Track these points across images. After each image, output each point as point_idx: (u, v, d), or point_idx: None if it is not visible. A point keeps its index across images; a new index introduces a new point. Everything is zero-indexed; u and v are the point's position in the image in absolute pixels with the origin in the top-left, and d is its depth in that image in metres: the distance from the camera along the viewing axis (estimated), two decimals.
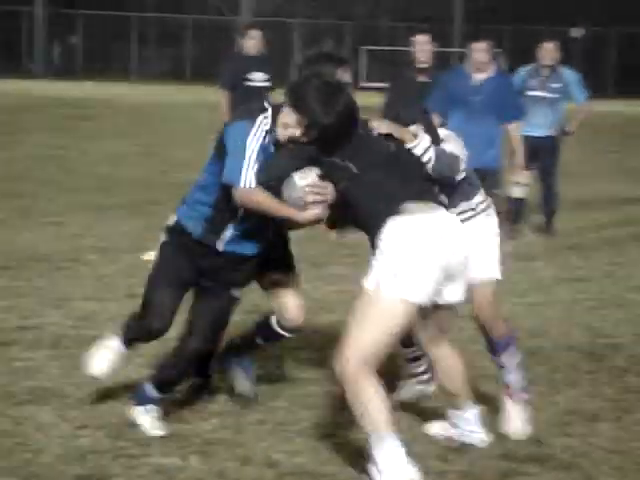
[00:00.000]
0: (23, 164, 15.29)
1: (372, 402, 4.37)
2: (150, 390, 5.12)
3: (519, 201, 11.22)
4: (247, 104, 5.51)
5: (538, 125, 11.02)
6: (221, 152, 4.93)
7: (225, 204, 4.97)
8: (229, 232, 5.08)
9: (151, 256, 9.22)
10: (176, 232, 5.17)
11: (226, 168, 4.86)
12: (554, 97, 11.12)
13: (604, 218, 12.74)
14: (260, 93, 11.60)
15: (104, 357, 5.29)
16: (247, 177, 4.82)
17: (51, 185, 13.51)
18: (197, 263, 5.12)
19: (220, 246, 5.08)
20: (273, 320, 5.46)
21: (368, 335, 4.39)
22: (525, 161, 11.04)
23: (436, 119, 9.07)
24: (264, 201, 4.81)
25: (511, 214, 11.31)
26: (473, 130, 9.00)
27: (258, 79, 11.76)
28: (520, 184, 11.11)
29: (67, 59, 42.91)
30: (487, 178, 9.19)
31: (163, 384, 5.14)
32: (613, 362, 6.59)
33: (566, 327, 7.41)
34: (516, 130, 9.42)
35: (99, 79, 37.01)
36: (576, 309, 8.00)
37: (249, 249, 5.13)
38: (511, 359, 5.32)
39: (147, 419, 5.07)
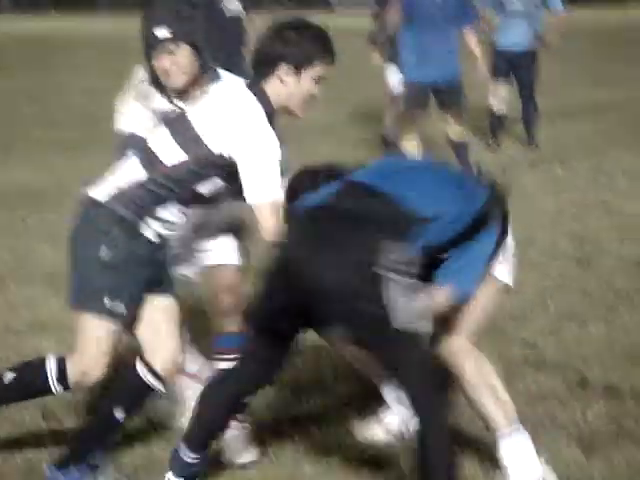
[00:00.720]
0: None
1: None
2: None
3: (499, 114, 11.26)
4: None
5: (516, 40, 11.00)
6: None
7: None
8: None
9: None
10: None
11: None
12: (531, 9, 11.08)
13: (585, 126, 12.81)
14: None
15: None
16: None
17: (27, 121, 13.49)
18: None
19: None
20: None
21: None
22: (503, 75, 11.08)
23: None
24: None
25: (492, 127, 11.36)
26: (433, 42, 9.06)
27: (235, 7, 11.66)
28: (499, 97, 11.14)
29: None
30: (450, 91, 9.31)
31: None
32: (600, 267, 6.71)
33: (552, 235, 7.51)
34: (473, 35, 9.42)
35: (67, 12, 36.61)
36: (561, 217, 8.11)
37: None
38: None
39: None
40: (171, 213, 3.90)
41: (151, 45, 4.22)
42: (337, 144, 11.36)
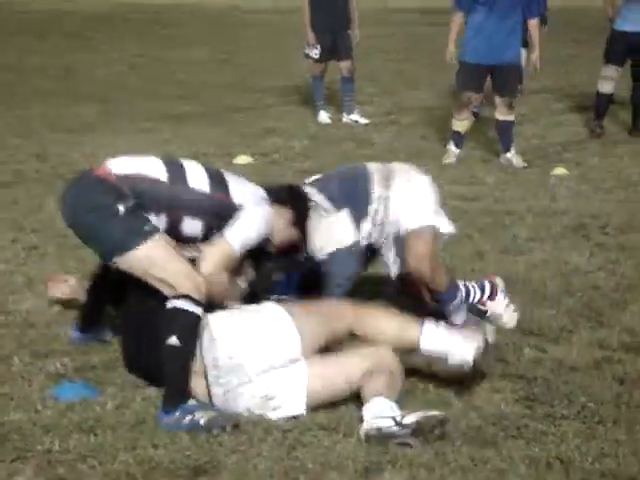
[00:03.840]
0: (107, 70, 15.58)
1: None
2: None
3: (606, 96, 11.13)
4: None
5: (637, 20, 10.82)
6: None
7: None
8: None
9: (243, 160, 9.60)
10: None
11: None
12: None
13: None
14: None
15: None
16: None
17: (135, 92, 13.78)
18: None
19: None
20: None
21: None
22: (620, 58, 10.92)
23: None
24: None
25: (597, 109, 11.23)
26: (497, 26, 9.15)
27: None
28: (608, 79, 11.02)
29: None
30: (507, 74, 9.40)
31: None
32: None
33: None
34: (536, 26, 9.51)
35: None
36: None
37: None
38: (464, 290, 5.38)
39: None
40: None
41: None
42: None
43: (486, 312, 5.43)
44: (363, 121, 11.85)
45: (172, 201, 4.51)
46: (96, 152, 9.82)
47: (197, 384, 4.42)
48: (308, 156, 9.90)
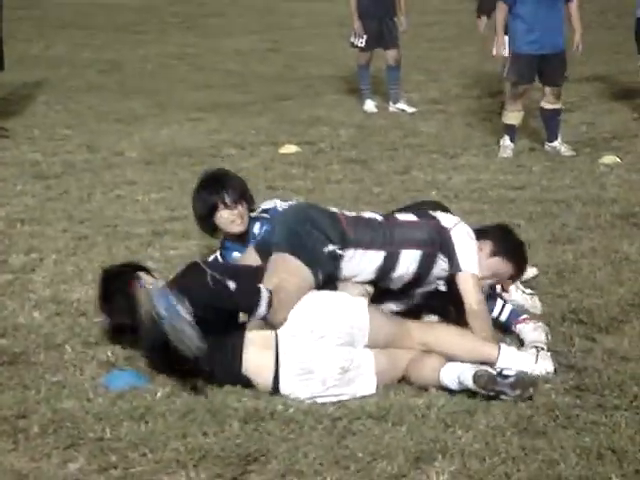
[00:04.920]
0: (155, 62, 15.65)
1: None
2: None
3: None
4: None
5: None
6: None
7: None
8: None
9: (289, 149, 9.62)
10: None
11: None
12: None
13: None
14: None
15: None
16: None
17: (184, 82, 13.84)
18: None
19: None
20: None
21: None
22: None
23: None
24: None
25: None
26: (547, 14, 9.08)
27: None
28: None
29: None
30: (558, 62, 9.31)
31: None
32: None
33: None
34: (577, 9, 9.45)
35: None
36: None
37: None
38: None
39: None
40: None
41: None
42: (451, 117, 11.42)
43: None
44: (410, 110, 11.82)
45: (386, 235, 4.89)
46: (145, 143, 9.93)
47: (263, 360, 4.52)
48: (354, 145, 9.89)
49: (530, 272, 5.63)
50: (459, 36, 17.87)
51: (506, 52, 9.76)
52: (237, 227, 5.56)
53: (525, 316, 5.27)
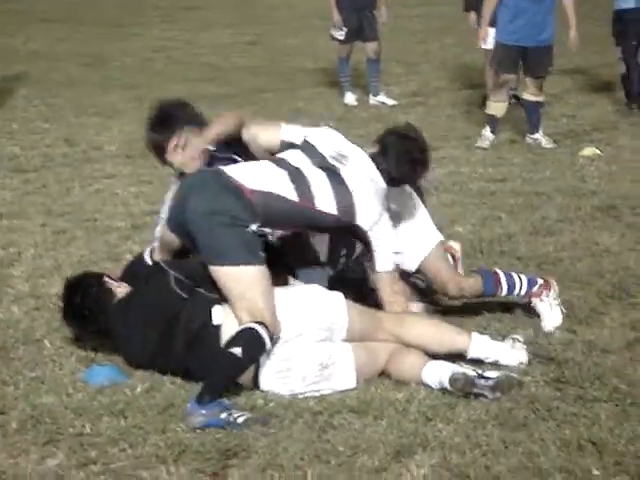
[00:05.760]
0: (135, 56, 15.58)
1: None
2: None
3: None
4: None
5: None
6: None
7: None
8: None
9: None
10: None
11: None
12: None
13: None
14: None
15: None
16: None
17: (163, 76, 13.79)
18: None
19: None
20: None
21: None
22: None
23: None
24: None
25: (628, 86, 11.04)
26: (535, 6, 9.08)
27: None
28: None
29: None
30: (541, 55, 9.31)
31: None
32: None
33: None
34: (572, 5, 9.48)
35: None
36: None
37: None
38: (506, 285, 5.32)
39: None
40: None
41: None
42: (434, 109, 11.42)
43: (530, 303, 5.35)
44: (390, 102, 11.80)
45: (299, 221, 4.67)
46: (125, 136, 9.88)
47: None
48: None
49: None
50: (439, 29, 17.87)
51: (490, 44, 9.76)
52: (189, 168, 5.05)
53: (540, 283, 5.29)
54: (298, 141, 4.86)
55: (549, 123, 10.08)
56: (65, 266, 6.15)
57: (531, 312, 5.30)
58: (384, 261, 4.82)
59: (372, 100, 11.90)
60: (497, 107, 9.52)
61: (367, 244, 4.82)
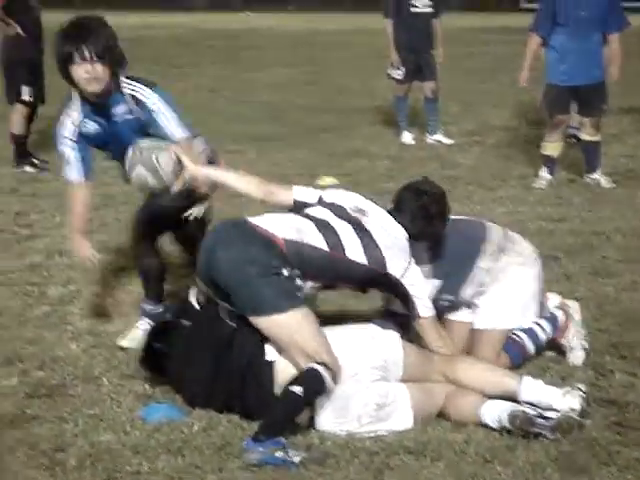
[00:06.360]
0: (193, 95, 15.73)
1: None
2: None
3: None
4: None
5: None
6: None
7: None
8: None
9: (326, 181, 9.62)
10: None
11: None
12: None
13: None
14: (425, 20, 11.67)
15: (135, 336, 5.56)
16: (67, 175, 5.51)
17: (221, 115, 13.91)
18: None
19: None
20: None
21: None
22: None
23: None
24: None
25: None
26: (581, 45, 9.02)
27: (422, 4, 11.78)
28: None
29: None
30: (594, 93, 9.24)
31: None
32: None
33: None
34: (617, 41, 9.32)
35: (257, 9, 37.40)
36: None
37: None
38: (532, 345, 5.24)
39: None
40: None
41: None
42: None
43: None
44: (447, 141, 11.80)
45: (331, 271, 4.61)
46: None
47: None
48: (391, 177, 9.88)
49: (573, 307, 5.52)
50: (496, 67, 17.87)
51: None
52: (91, 87, 5.10)
53: (562, 320, 5.25)
54: (313, 200, 4.85)
55: (608, 163, 10.00)
56: (124, 304, 6.20)
57: (590, 353, 5.24)
58: (424, 307, 4.76)
59: (429, 139, 11.90)
60: (552, 147, 9.48)
61: (399, 295, 4.77)
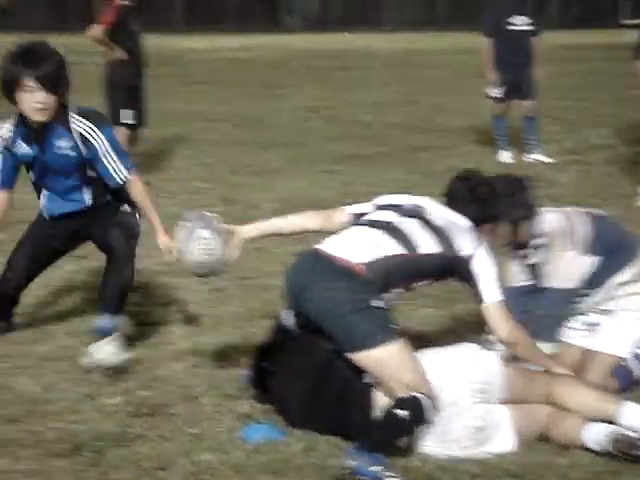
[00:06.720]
0: (289, 116, 15.85)
1: None
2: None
3: None
4: None
5: None
6: None
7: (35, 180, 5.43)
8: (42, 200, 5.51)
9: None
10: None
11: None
12: None
13: None
14: (524, 38, 11.59)
15: None
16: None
17: (318, 135, 13.97)
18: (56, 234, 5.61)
19: (45, 214, 5.55)
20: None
21: None
22: None
23: None
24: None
25: None
26: None
27: (521, 22, 11.71)
28: None
29: (323, 11, 43.73)
30: None
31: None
32: None
33: None
34: None
35: (354, 30, 37.57)
36: None
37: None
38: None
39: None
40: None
41: None
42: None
43: None
44: (546, 160, 11.68)
45: (411, 271, 4.59)
46: (281, 195, 10.03)
47: None
48: None
49: None
50: (596, 85, 17.64)
51: None
52: (39, 116, 4.99)
53: None
54: (368, 209, 4.86)
55: None
56: (223, 324, 6.25)
57: None
58: (491, 290, 4.60)
59: (528, 158, 11.80)
60: None
61: (470, 279, 4.65)
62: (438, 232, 4.63)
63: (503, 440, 4.45)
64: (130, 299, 6.85)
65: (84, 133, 5.25)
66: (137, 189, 5.48)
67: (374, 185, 10.40)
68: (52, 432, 4.68)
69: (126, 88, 10.72)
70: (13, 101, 5.09)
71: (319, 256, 4.60)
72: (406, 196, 4.91)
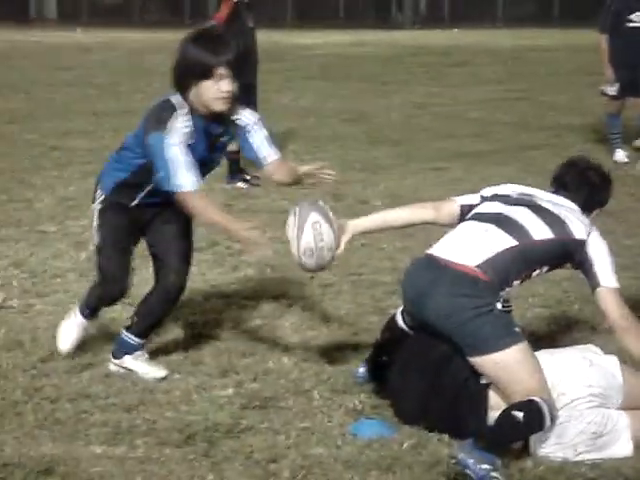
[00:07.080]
0: (399, 112, 15.80)
1: None
2: (131, 338, 5.28)
3: None
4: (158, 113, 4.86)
5: None
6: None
7: (140, 178, 5.02)
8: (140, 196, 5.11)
9: None
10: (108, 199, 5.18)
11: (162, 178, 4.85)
12: None
13: None
14: None
15: (69, 333, 5.42)
16: (183, 182, 4.78)
17: (427, 132, 13.90)
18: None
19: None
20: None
21: None
22: None
23: None
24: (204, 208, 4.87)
25: None
26: None
27: (639, 20, 11.47)
28: None
29: (433, 7, 43.53)
30: None
31: (145, 329, 5.28)
32: None
33: None
34: None
35: (465, 26, 37.31)
36: None
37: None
38: None
39: (140, 364, 5.26)
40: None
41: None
42: None
43: None
44: None
45: (527, 261, 4.53)
46: (390, 192, 10.00)
47: None
48: None
49: None
50: None
51: None
52: (222, 106, 4.74)
53: None
54: (476, 201, 4.80)
55: None
56: (333, 319, 6.25)
57: None
58: (607, 275, 4.50)
59: None
60: None
61: (585, 263, 4.55)
62: (550, 217, 4.58)
63: (621, 446, 4.36)
64: (241, 292, 6.93)
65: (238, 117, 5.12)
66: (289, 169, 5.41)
67: (485, 182, 10.23)
68: (166, 421, 4.75)
69: (241, 85, 10.77)
70: (187, 89, 4.81)
71: (434, 262, 4.57)
72: (512, 185, 4.86)
